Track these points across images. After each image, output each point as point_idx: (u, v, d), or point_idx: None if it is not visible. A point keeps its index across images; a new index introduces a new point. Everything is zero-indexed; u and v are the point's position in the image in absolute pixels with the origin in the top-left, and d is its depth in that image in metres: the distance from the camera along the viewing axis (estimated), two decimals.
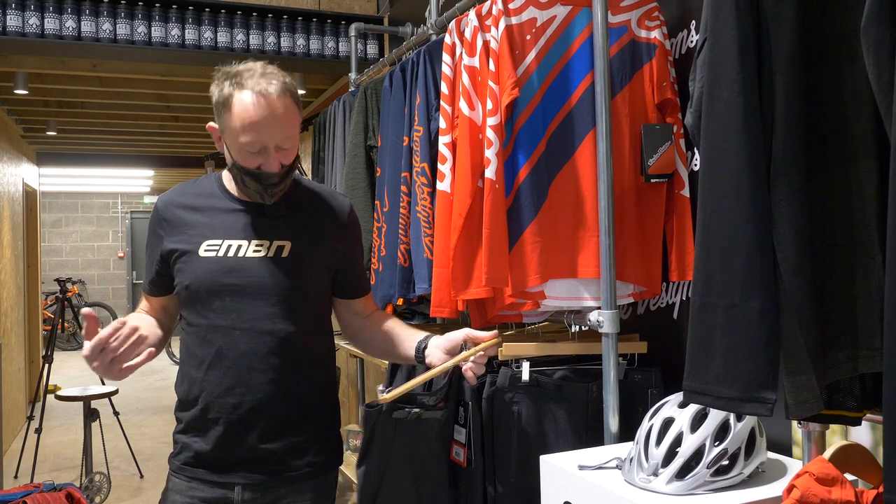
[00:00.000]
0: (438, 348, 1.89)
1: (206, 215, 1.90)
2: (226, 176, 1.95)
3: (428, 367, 1.89)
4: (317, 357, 1.96)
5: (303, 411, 1.90)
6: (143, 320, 1.91)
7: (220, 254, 1.86)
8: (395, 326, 2.04)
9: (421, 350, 1.92)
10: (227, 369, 1.83)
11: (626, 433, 1.94)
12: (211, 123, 1.87)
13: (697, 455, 1.54)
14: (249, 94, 1.73)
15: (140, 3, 4.17)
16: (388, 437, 2.20)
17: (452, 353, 1.87)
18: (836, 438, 1.63)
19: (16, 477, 5.82)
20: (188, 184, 2.00)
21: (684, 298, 2.20)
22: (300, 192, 1.98)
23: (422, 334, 1.96)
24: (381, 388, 2.39)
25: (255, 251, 1.87)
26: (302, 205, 1.96)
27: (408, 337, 1.98)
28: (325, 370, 1.99)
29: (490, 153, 1.98)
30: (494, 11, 2.04)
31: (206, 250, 1.86)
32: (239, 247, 1.86)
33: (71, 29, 4.04)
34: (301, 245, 1.91)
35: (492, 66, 2.02)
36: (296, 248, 1.90)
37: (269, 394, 1.84)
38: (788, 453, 1.84)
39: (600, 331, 1.97)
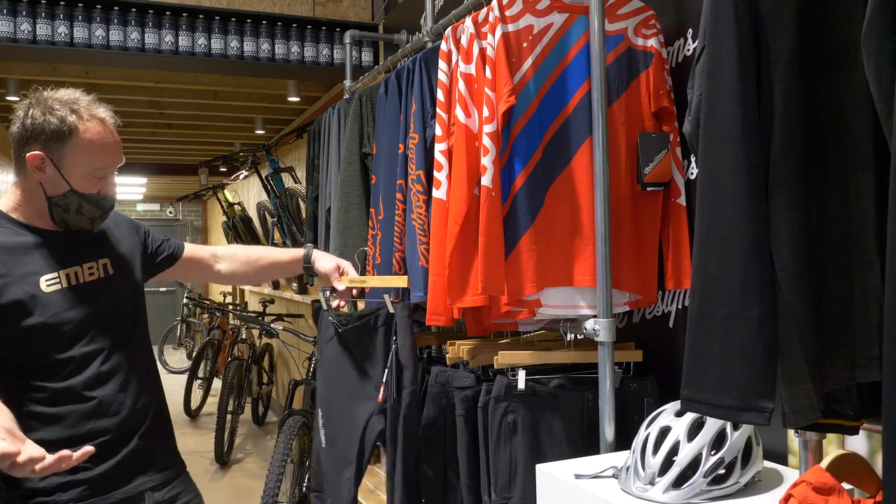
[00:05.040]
0: (324, 255, 2.30)
1: (17, 252, 1.77)
2: (15, 209, 1.82)
3: (316, 273, 2.28)
4: (152, 359, 2.03)
5: (163, 413, 1.98)
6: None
7: (64, 285, 1.79)
8: (258, 250, 2.35)
9: (309, 258, 2.28)
10: (99, 402, 1.80)
11: (622, 442, 1.94)
12: (34, 153, 1.73)
13: (694, 464, 1.53)
14: (96, 120, 1.77)
15: (133, 10, 4.15)
16: None
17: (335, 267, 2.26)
18: (832, 447, 1.63)
19: None
20: None
21: (680, 307, 2.19)
22: None
23: (297, 251, 2.32)
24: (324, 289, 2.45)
25: (90, 275, 1.84)
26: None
27: (283, 252, 2.39)
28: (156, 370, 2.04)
29: (486, 161, 1.98)
30: (491, 18, 2.04)
31: (48, 286, 1.77)
32: (76, 273, 1.82)
33: (63, 35, 4.02)
34: (116, 257, 1.93)
35: (488, 74, 2.02)
36: (114, 262, 1.92)
37: (137, 411, 1.87)
38: (784, 462, 1.83)
39: (596, 339, 1.96)
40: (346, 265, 2.29)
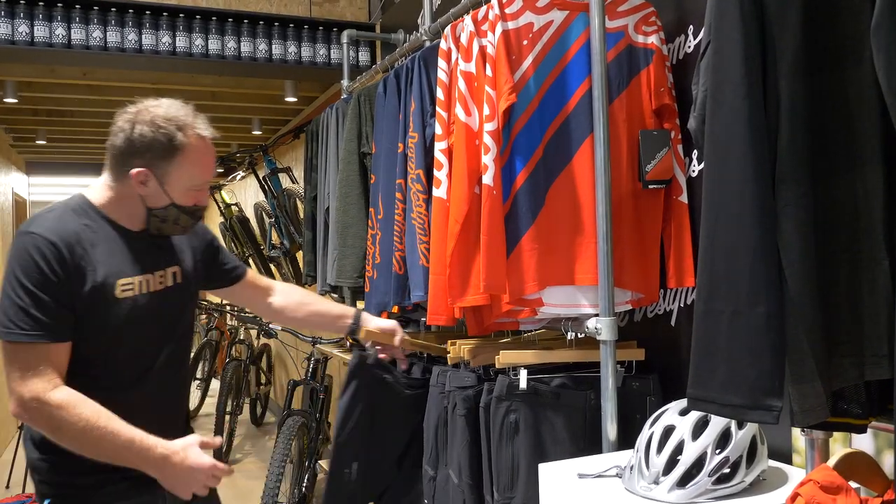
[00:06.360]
0: (374, 317, 2.32)
1: (103, 251, 1.77)
2: (105, 205, 1.83)
3: (357, 339, 2.33)
4: (188, 369, 2.10)
5: (186, 423, 2.04)
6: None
7: (136, 292, 1.80)
8: (312, 295, 2.34)
9: (358, 319, 2.28)
10: (152, 400, 1.84)
11: (624, 441, 1.93)
12: (139, 169, 1.76)
13: (699, 463, 1.52)
14: (200, 137, 1.81)
15: (130, 11, 4.14)
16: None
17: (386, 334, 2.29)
18: (838, 446, 1.62)
19: (7, 487, 5.76)
20: (65, 213, 1.79)
21: (682, 305, 2.18)
22: None
23: (348, 308, 2.36)
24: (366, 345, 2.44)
25: (160, 283, 1.87)
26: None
27: (333, 305, 2.38)
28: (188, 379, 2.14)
29: (487, 159, 1.97)
30: (491, 16, 2.03)
31: (123, 291, 1.77)
32: (148, 281, 1.83)
33: (61, 37, 4.01)
34: (186, 266, 1.95)
35: (488, 72, 2.01)
36: (184, 271, 1.94)
37: (174, 417, 1.96)
38: (788, 461, 1.82)
39: (598, 338, 1.95)
40: (396, 325, 2.32)
